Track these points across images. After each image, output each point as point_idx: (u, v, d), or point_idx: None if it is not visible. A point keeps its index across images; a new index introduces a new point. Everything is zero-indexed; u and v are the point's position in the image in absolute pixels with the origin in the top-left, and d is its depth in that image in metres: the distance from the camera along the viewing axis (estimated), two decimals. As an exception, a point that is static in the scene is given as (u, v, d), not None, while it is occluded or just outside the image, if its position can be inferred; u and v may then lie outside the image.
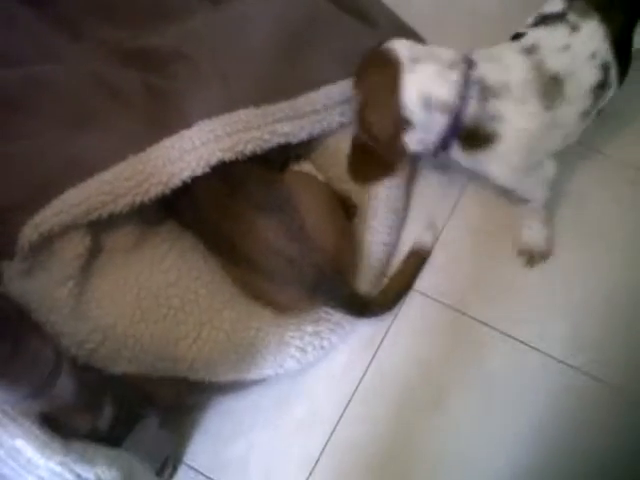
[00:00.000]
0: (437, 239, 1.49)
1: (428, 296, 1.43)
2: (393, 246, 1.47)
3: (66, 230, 1.23)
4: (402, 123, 1.21)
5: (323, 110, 1.40)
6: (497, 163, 1.27)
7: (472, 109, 1.19)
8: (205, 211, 1.31)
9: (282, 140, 1.34)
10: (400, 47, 1.22)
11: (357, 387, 1.36)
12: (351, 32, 1.54)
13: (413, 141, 1.25)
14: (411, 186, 1.55)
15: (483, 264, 1.47)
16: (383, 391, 1.35)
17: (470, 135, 1.22)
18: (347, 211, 1.43)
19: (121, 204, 1.24)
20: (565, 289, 1.42)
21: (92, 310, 1.24)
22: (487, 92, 1.18)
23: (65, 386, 0.99)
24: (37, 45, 1.54)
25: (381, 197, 1.45)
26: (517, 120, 1.20)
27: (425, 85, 1.19)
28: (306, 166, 1.47)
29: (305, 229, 1.27)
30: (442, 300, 1.43)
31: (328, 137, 1.49)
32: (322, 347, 1.35)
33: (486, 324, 1.40)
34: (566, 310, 1.40)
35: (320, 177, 1.46)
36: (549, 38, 1.24)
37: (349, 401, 1.35)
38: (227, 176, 1.30)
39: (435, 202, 1.54)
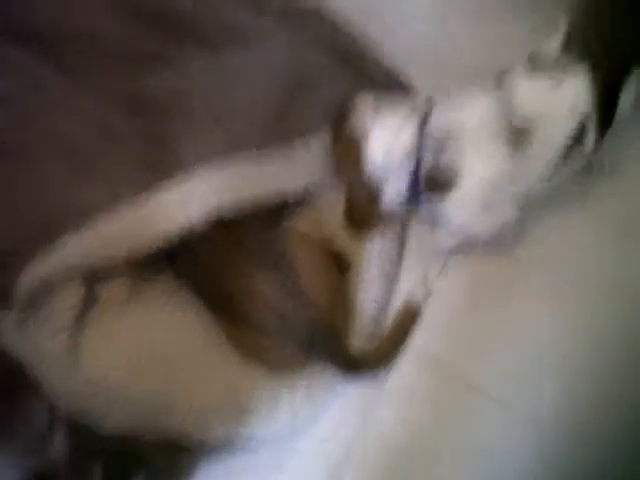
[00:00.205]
0: (429, 296, 1.48)
1: (421, 358, 1.42)
2: (386, 302, 1.47)
3: (62, 279, 1.24)
4: (374, 180, 1.27)
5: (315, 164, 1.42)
6: (456, 205, 1.30)
7: (428, 158, 1.23)
8: (203, 263, 1.33)
9: (279, 194, 1.36)
10: (363, 106, 1.28)
11: (347, 451, 1.34)
12: (343, 82, 1.56)
13: (388, 195, 1.30)
14: (405, 241, 1.55)
15: (478, 325, 1.46)
16: (374, 455, 1.34)
17: (431, 182, 1.26)
18: (340, 268, 1.44)
19: (119, 252, 1.26)
20: (559, 355, 1.41)
21: (85, 363, 1.25)
22: (441, 140, 1.22)
23: (57, 445, 0.98)
24: (34, 89, 1.55)
25: (374, 253, 1.46)
26: (474, 166, 1.23)
27: (385, 140, 1.24)
28: (300, 223, 1.49)
29: (299, 285, 1.28)
30: (436, 365, 1.42)
31: (321, 195, 1.51)
32: (314, 408, 1.34)
33: (479, 389, 1.38)
34: (558, 373, 1.39)
35: (314, 234, 1.48)
36: (527, 85, 1.25)
37: (340, 463, 1.34)
38: (225, 230, 1.31)
39: (428, 258, 1.53)
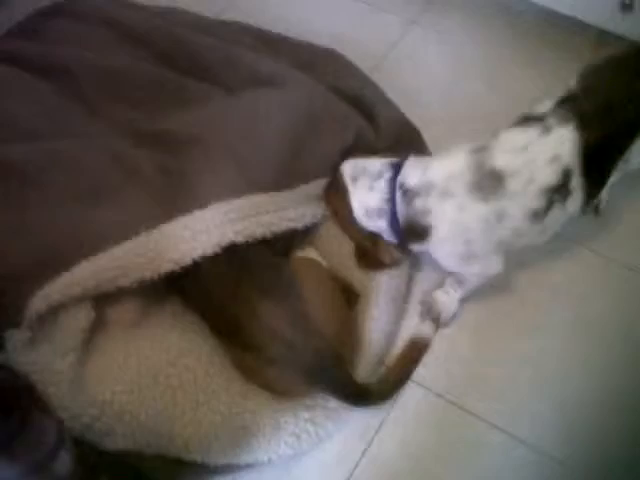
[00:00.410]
0: (437, 331, 1.51)
1: (425, 388, 1.44)
2: (393, 335, 1.49)
3: (73, 302, 1.25)
4: (363, 231, 1.41)
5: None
6: (438, 251, 1.38)
7: (401, 210, 1.32)
8: (211, 291, 1.34)
9: (289, 225, 1.39)
10: (346, 168, 1.41)
11: (350, 476, 1.35)
12: (352, 127, 1.60)
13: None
14: (413, 275, 1.58)
15: (481, 358, 1.48)
16: (376, 480, 1.35)
17: (409, 231, 1.35)
18: (349, 299, 1.45)
19: (131, 279, 1.27)
20: (560, 386, 1.44)
21: (91, 384, 1.26)
22: (410, 193, 1.31)
23: (64, 462, 0.99)
24: (53, 120, 1.60)
25: (383, 286, 1.48)
26: (444, 212, 1.30)
27: (362, 198, 1.37)
28: (311, 253, 1.50)
29: (307, 315, 1.29)
30: (439, 392, 1.43)
31: (332, 227, 1.54)
32: (317, 434, 1.34)
33: (482, 419, 1.40)
34: (561, 407, 1.41)
35: (324, 264, 1.49)
36: (511, 137, 1.31)
37: (342, 489, 1.34)
38: (234, 259, 1.33)
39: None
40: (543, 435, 1.38)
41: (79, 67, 1.69)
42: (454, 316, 1.51)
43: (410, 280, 1.57)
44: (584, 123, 1.28)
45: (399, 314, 1.51)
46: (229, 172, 1.43)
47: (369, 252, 1.44)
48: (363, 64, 1.90)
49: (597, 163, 1.33)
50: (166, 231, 1.31)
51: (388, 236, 1.40)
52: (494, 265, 1.40)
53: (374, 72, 1.91)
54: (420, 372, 1.46)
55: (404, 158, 1.38)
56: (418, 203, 1.31)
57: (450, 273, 1.48)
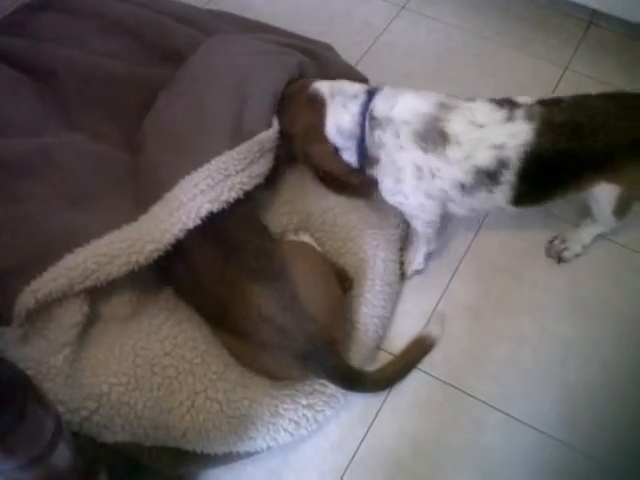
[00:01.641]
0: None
1: (424, 372, 1.44)
2: (388, 319, 1.49)
3: (64, 297, 1.25)
4: (334, 149, 1.43)
5: (273, 146, 1.46)
6: (379, 181, 1.43)
7: (367, 136, 1.37)
8: (201, 277, 1.33)
9: (258, 181, 1.40)
10: (322, 86, 1.42)
11: (350, 462, 1.35)
12: (293, 61, 1.59)
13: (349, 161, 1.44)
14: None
15: (479, 340, 1.48)
16: (375, 468, 1.34)
17: (367, 157, 1.40)
18: (343, 283, 1.45)
19: (117, 265, 1.26)
20: (560, 366, 1.44)
21: (87, 377, 1.25)
22: (374, 123, 1.36)
23: (62, 455, 0.98)
24: (34, 120, 1.60)
25: (377, 270, 1.48)
26: (390, 146, 1.35)
27: (337, 116, 1.39)
28: (304, 237, 1.50)
29: (298, 298, 1.28)
30: (438, 376, 1.43)
31: (327, 212, 1.54)
32: (316, 420, 1.34)
33: (481, 401, 1.40)
34: (561, 387, 1.42)
35: (318, 249, 1.49)
36: (477, 111, 1.32)
37: (341, 476, 1.34)
38: (224, 243, 1.33)
39: (431, 276, 1.57)
40: (544, 416, 1.38)
41: (64, 69, 1.67)
42: (417, 269, 1.55)
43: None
44: (546, 130, 1.28)
45: (394, 298, 1.51)
46: (185, 149, 1.42)
47: (331, 175, 1.47)
48: (354, 50, 1.89)
49: (542, 174, 1.33)
50: (144, 219, 1.32)
51: (351, 158, 1.43)
52: (427, 210, 1.42)
53: (364, 57, 1.90)
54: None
55: (380, 87, 1.41)
56: (377, 134, 1.36)
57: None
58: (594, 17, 2.04)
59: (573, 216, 1.63)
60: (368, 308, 1.44)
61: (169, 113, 1.52)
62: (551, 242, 1.59)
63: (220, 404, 1.30)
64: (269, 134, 1.43)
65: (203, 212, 1.28)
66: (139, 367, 1.28)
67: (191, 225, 1.28)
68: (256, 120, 1.45)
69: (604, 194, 1.39)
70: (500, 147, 1.29)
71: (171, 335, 1.34)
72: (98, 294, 1.32)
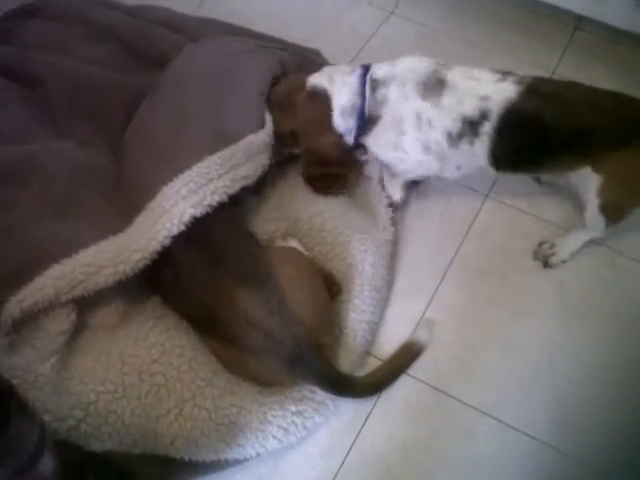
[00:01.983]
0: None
1: (413, 377, 1.43)
2: (377, 324, 1.48)
3: (51, 306, 1.24)
4: (339, 138, 1.49)
5: (266, 148, 1.46)
6: (378, 141, 1.48)
7: (368, 102, 1.43)
8: (188, 283, 1.32)
9: (243, 183, 1.39)
10: (318, 78, 1.48)
11: (339, 468, 1.34)
12: (273, 58, 1.61)
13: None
14: (395, 263, 1.58)
15: (468, 345, 1.48)
16: (365, 474, 1.34)
17: (366, 120, 1.46)
18: (330, 288, 1.44)
19: (104, 275, 1.26)
20: (549, 370, 1.44)
21: (74, 386, 1.25)
22: (375, 83, 1.43)
23: (47, 466, 0.97)
24: (20, 129, 1.59)
25: (365, 275, 1.48)
26: (395, 99, 1.42)
27: (340, 97, 1.45)
28: (292, 242, 1.50)
29: (285, 303, 1.28)
30: (427, 381, 1.43)
31: (315, 217, 1.54)
32: (305, 427, 1.34)
33: (471, 406, 1.40)
34: (550, 391, 1.42)
35: (306, 254, 1.49)
36: (475, 70, 1.41)
37: (332, 481, 1.34)
38: (210, 249, 1.32)
39: (420, 281, 1.57)
40: (534, 421, 1.38)
41: (52, 78, 1.68)
42: (403, 199, 1.63)
43: (393, 267, 1.57)
44: (531, 94, 1.34)
45: (382, 303, 1.50)
46: (167, 156, 1.41)
47: (330, 168, 1.51)
48: (342, 56, 1.90)
49: (519, 136, 1.38)
50: (130, 230, 1.32)
51: (350, 134, 1.49)
52: (425, 167, 1.50)
53: (353, 63, 1.91)
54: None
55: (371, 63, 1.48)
56: (380, 92, 1.43)
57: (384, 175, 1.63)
58: (580, 22, 2.05)
59: (563, 222, 1.63)
60: (356, 313, 1.44)
61: (151, 120, 1.52)
62: (540, 246, 1.60)
63: (208, 411, 1.29)
64: (258, 136, 1.43)
65: (186, 218, 1.28)
66: (126, 375, 1.28)
67: (175, 231, 1.28)
68: (240, 123, 1.45)
69: (587, 182, 1.40)
70: (485, 98, 1.36)
71: (158, 342, 1.33)
72: (85, 302, 1.32)
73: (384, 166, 1.60)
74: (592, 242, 1.60)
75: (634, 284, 1.57)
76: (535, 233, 1.63)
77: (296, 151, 1.55)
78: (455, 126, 1.39)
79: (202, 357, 1.34)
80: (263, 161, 1.46)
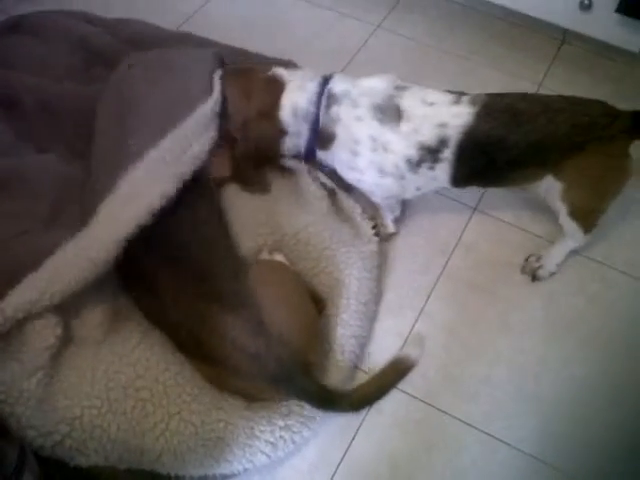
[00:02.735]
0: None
1: (401, 390, 1.43)
2: (365, 338, 1.48)
3: (36, 317, 1.23)
4: (280, 132, 1.48)
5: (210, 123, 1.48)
6: (334, 157, 1.49)
7: (322, 115, 1.43)
8: (168, 309, 1.32)
9: (198, 163, 1.40)
10: (281, 71, 1.49)
11: (328, 481, 1.34)
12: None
13: (288, 146, 1.52)
14: (384, 278, 1.58)
15: (456, 359, 1.48)
16: (355, 487, 1.34)
17: (321, 137, 1.46)
18: (316, 304, 1.44)
19: (85, 273, 1.27)
20: (535, 383, 1.44)
21: (59, 401, 1.24)
22: (331, 99, 1.43)
23: (28, 485, 0.96)
24: (5, 145, 1.61)
25: (352, 289, 1.47)
26: (347, 120, 1.42)
27: (294, 96, 1.45)
28: (277, 257, 1.50)
29: (267, 323, 1.26)
30: (416, 395, 1.43)
31: (300, 232, 1.54)
32: (293, 441, 1.33)
33: (458, 419, 1.40)
34: (537, 404, 1.42)
35: (291, 268, 1.48)
36: (429, 93, 1.41)
37: (320, 497, 1.33)
38: (190, 272, 1.31)
39: (408, 296, 1.57)
40: (521, 434, 1.38)
41: (33, 102, 1.69)
42: (391, 232, 1.65)
43: (380, 281, 1.57)
44: (486, 114, 1.35)
45: (370, 317, 1.50)
46: (123, 153, 1.42)
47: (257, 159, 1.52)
48: (330, 69, 1.90)
49: (479, 156, 1.39)
50: (95, 222, 1.32)
51: (299, 141, 1.49)
52: (383, 188, 1.50)
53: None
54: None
55: (336, 73, 1.49)
56: (333, 110, 1.43)
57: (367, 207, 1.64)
58: (567, 36, 2.07)
59: (550, 235, 1.64)
60: (344, 328, 1.43)
61: (99, 122, 1.55)
62: (526, 260, 1.60)
63: (195, 426, 1.28)
64: (207, 105, 1.46)
65: (156, 203, 1.29)
66: (112, 390, 1.27)
67: (143, 220, 1.28)
68: (188, 94, 1.48)
69: (552, 190, 1.42)
70: (442, 125, 1.37)
71: (143, 358, 1.32)
72: (71, 317, 1.31)
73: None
74: (580, 255, 1.61)
75: (623, 298, 1.57)
76: (523, 246, 1.64)
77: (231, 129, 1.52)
78: (413, 153, 1.40)
79: (188, 372, 1.33)
80: (211, 133, 1.47)
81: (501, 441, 1.37)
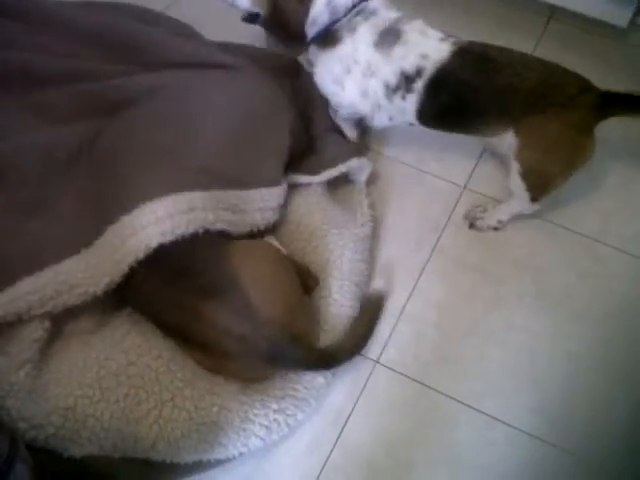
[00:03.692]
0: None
1: (394, 370, 1.43)
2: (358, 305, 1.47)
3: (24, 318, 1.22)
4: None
5: (265, 209, 1.45)
6: (323, 65, 1.52)
7: (345, 18, 1.45)
8: (150, 304, 1.32)
9: (224, 227, 1.35)
10: None
11: (323, 466, 1.33)
12: (289, 130, 1.57)
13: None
14: (374, 258, 1.58)
15: (449, 338, 1.48)
16: (350, 471, 1.33)
17: (329, 36, 1.47)
18: (307, 281, 1.43)
19: (75, 294, 1.25)
20: (529, 360, 1.45)
21: (51, 391, 1.22)
22: (360, 11, 1.45)
23: (20, 476, 0.95)
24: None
25: (344, 270, 1.47)
26: (356, 34, 1.46)
27: None
28: (269, 238, 1.49)
29: (251, 305, 1.26)
30: (408, 374, 1.43)
31: (291, 213, 1.52)
32: (287, 424, 1.32)
33: (452, 397, 1.40)
34: (531, 381, 1.42)
35: (283, 249, 1.47)
36: (429, 29, 1.47)
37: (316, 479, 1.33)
38: (169, 262, 1.29)
39: (399, 276, 1.56)
40: (515, 411, 1.38)
41: (26, 78, 1.64)
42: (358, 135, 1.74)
43: (372, 261, 1.56)
44: (461, 54, 1.40)
45: (362, 297, 1.49)
46: (159, 174, 1.37)
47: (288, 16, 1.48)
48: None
49: (446, 95, 1.43)
50: (100, 244, 1.29)
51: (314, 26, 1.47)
52: (356, 106, 1.55)
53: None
54: (388, 355, 1.45)
55: None
56: (354, 21, 1.46)
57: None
58: (554, 12, 2.06)
59: (538, 211, 1.63)
60: (336, 309, 1.43)
61: (151, 133, 1.47)
62: (474, 207, 1.64)
63: (188, 412, 1.27)
64: (263, 193, 1.44)
65: (154, 243, 1.24)
66: (103, 378, 1.25)
67: (142, 256, 1.24)
68: (254, 171, 1.45)
69: (510, 146, 1.43)
70: (423, 56, 1.42)
71: (135, 345, 1.31)
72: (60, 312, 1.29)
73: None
74: (567, 230, 1.61)
75: (614, 273, 1.57)
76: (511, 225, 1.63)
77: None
78: (393, 80, 1.45)
79: (180, 358, 1.32)
80: (269, 218, 1.45)
81: (496, 419, 1.37)
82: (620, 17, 1.86)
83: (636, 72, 1.91)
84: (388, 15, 1.47)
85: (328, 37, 1.47)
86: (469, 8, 2.10)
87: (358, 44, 1.46)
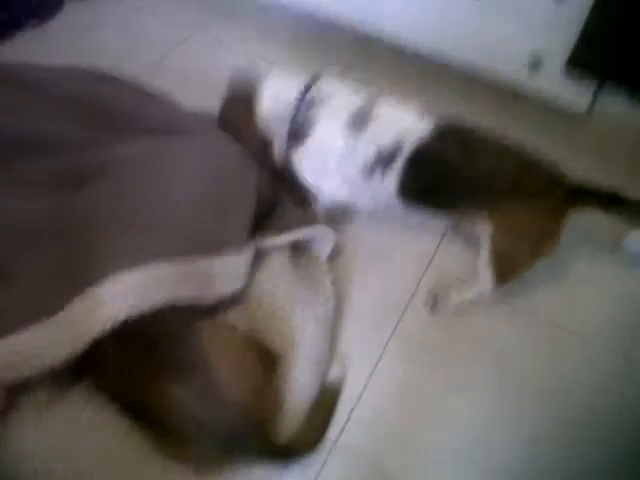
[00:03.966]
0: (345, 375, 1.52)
1: (352, 452, 1.41)
2: (318, 386, 1.46)
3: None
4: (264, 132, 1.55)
5: (231, 277, 1.45)
6: (303, 161, 1.56)
7: (301, 114, 1.50)
8: (111, 375, 1.30)
9: (190, 299, 1.35)
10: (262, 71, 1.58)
11: None
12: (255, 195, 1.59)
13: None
14: (335, 335, 1.57)
15: (408, 417, 1.47)
16: None
17: (294, 134, 1.53)
18: (267, 361, 1.42)
19: (30, 366, 1.23)
20: (486, 447, 1.44)
21: (4, 467, 1.20)
22: (313, 102, 1.49)
23: None
24: None
25: (306, 349, 1.46)
26: (322, 125, 1.50)
27: (274, 96, 1.53)
28: (232, 315, 1.48)
29: (216, 387, 1.25)
30: (367, 457, 1.41)
31: (254, 286, 1.52)
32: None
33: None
34: (486, 471, 1.41)
35: (242, 327, 1.47)
36: (401, 106, 1.50)
37: None
38: (133, 339, 1.28)
39: (360, 357, 1.56)
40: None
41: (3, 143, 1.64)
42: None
43: (334, 339, 1.56)
44: (442, 135, 1.44)
45: (324, 377, 1.48)
46: (129, 242, 1.37)
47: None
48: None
49: (425, 174, 1.47)
50: (63, 315, 1.27)
51: (280, 140, 1.55)
52: (337, 195, 1.61)
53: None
54: (347, 434, 1.43)
55: (317, 75, 1.56)
56: (311, 112, 1.49)
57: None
58: (517, 93, 2.11)
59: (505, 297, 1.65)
60: (297, 388, 1.42)
61: (123, 197, 1.47)
62: (436, 292, 1.65)
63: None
64: (229, 260, 1.43)
65: (122, 316, 1.24)
66: (58, 456, 1.25)
67: (108, 328, 1.23)
68: (221, 238, 1.45)
69: (483, 230, 1.47)
70: (402, 133, 1.45)
71: (90, 422, 1.30)
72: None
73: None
74: (531, 314, 1.63)
75: (573, 357, 1.59)
76: (475, 304, 1.65)
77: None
78: (371, 158, 1.48)
79: (136, 439, 1.29)
80: (224, 287, 1.43)
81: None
82: (579, 104, 1.93)
83: (597, 153, 1.98)
84: (349, 98, 1.51)
85: (297, 134, 1.51)
86: (433, 83, 2.16)
87: (325, 133, 1.50)
